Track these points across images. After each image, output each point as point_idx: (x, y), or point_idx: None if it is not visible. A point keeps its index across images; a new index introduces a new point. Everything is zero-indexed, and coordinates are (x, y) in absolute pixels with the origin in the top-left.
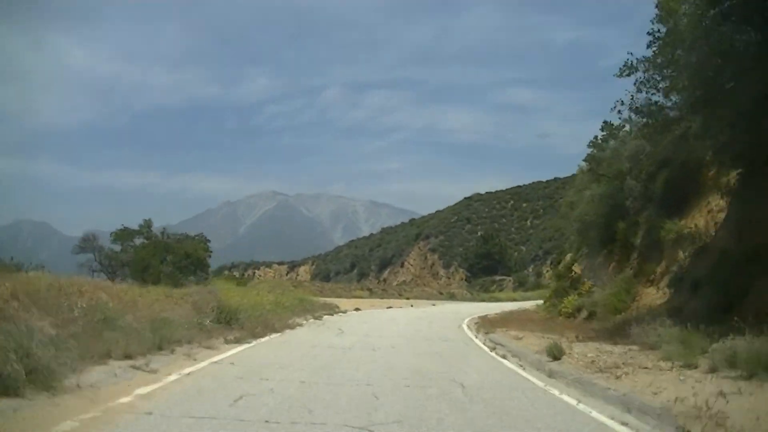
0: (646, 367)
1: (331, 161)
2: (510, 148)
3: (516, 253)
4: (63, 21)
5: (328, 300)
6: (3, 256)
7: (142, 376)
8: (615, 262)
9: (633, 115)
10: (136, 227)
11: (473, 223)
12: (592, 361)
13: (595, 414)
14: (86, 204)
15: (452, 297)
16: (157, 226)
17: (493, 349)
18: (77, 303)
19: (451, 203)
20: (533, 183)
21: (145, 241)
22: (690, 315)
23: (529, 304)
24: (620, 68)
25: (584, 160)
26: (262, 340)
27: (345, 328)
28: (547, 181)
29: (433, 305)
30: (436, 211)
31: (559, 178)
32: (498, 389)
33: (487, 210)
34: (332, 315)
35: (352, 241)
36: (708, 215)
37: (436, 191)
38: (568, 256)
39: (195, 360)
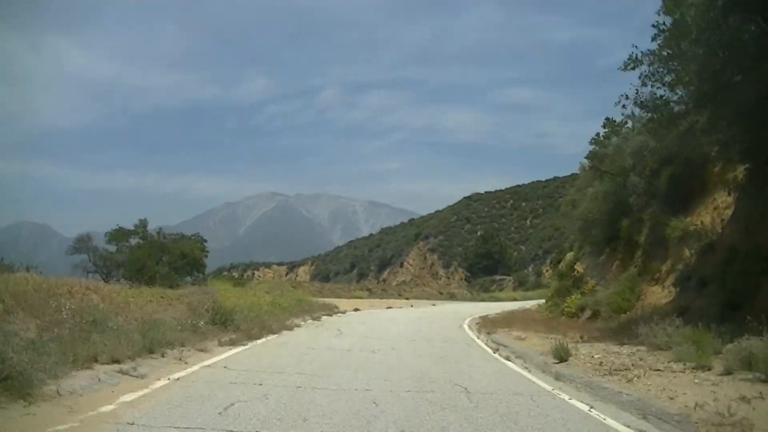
0: (657, 369)
1: (330, 161)
2: (509, 148)
3: (516, 253)
4: (62, 22)
5: (328, 300)
6: (3, 257)
7: (129, 381)
8: (619, 261)
9: (638, 110)
10: (131, 227)
11: (473, 223)
12: (600, 363)
13: (609, 421)
14: (86, 206)
15: (452, 297)
16: (156, 226)
17: (496, 350)
18: (66, 304)
19: (451, 203)
20: (532, 182)
21: (141, 241)
22: (697, 314)
23: (530, 304)
24: (625, 62)
25: (586, 158)
26: (258, 342)
27: (344, 328)
28: (547, 180)
29: (433, 305)
30: (436, 211)
31: (559, 178)
32: (504, 394)
33: (486, 210)
34: (331, 315)
35: (352, 241)
36: (714, 212)
37: (435, 191)
38: (569, 255)
39: (186, 364)
